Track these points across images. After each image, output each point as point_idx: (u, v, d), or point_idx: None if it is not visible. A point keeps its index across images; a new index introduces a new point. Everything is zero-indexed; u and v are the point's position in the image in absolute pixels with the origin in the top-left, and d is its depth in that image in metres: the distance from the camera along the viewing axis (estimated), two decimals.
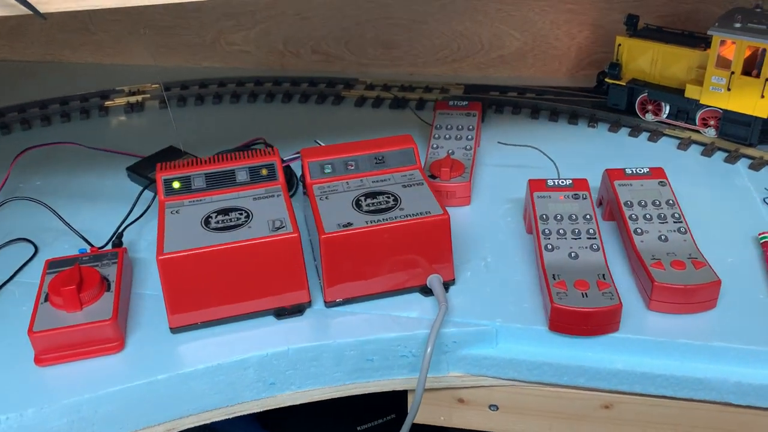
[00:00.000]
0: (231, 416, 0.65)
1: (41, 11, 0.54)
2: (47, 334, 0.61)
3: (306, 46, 1.21)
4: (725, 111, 0.88)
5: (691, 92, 0.90)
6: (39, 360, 0.62)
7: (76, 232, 0.75)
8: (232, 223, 0.66)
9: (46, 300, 0.64)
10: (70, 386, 0.60)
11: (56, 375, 0.61)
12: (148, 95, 1.13)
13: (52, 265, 0.68)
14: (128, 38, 1.26)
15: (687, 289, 0.64)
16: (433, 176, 0.83)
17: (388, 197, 0.69)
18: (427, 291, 0.69)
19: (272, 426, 1.16)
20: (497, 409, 0.69)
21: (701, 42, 0.91)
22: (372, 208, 0.68)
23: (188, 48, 1.24)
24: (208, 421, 0.65)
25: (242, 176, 0.71)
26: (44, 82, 1.22)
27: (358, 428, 1.10)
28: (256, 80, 1.16)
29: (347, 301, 0.68)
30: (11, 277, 0.73)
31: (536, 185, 0.76)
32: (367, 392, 0.68)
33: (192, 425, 0.65)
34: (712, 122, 0.91)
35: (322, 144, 0.85)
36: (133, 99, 1.12)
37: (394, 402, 0.70)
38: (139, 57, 1.27)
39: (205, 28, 1.22)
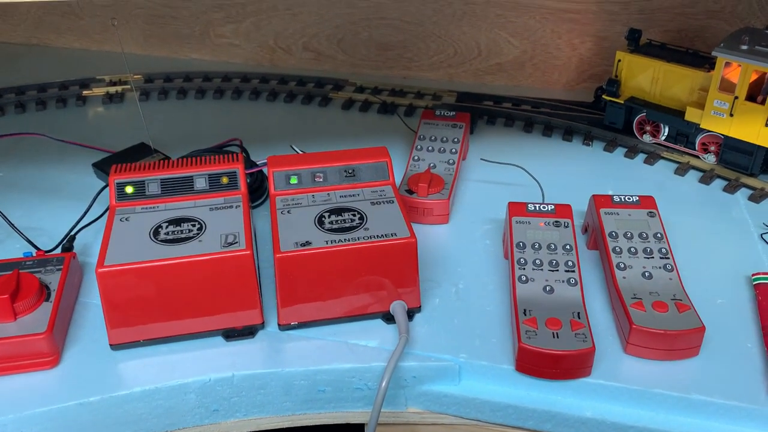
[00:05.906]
0: None
1: None
2: None
3: (297, 42, 1.16)
4: (726, 137, 0.83)
5: (691, 115, 0.85)
6: None
7: (21, 234, 0.70)
8: (183, 236, 0.61)
9: None
10: None
11: None
12: (129, 86, 1.09)
13: None
14: (117, 25, 1.21)
15: (667, 335, 0.59)
16: (410, 191, 0.78)
17: (354, 215, 0.64)
18: (389, 318, 0.64)
19: None
20: None
21: (705, 62, 0.85)
22: (335, 226, 0.63)
23: (177, 39, 1.20)
24: None
25: (201, 183, 0.67)
26: (26, 67, 1.17)
27: None
28: (242, 76, 1.11)
29: (302, 325, 0.63)
30: None
31: (516, 209, 0.71)
32: (318, 423, 0.63)
33: None
34: (712, 148, 0.86)
35: (298, 150, 0.81)
36: (113, 89, 1.08)
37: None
38: (127, 45, 1.22)
39: (194, 19, 1.17)
